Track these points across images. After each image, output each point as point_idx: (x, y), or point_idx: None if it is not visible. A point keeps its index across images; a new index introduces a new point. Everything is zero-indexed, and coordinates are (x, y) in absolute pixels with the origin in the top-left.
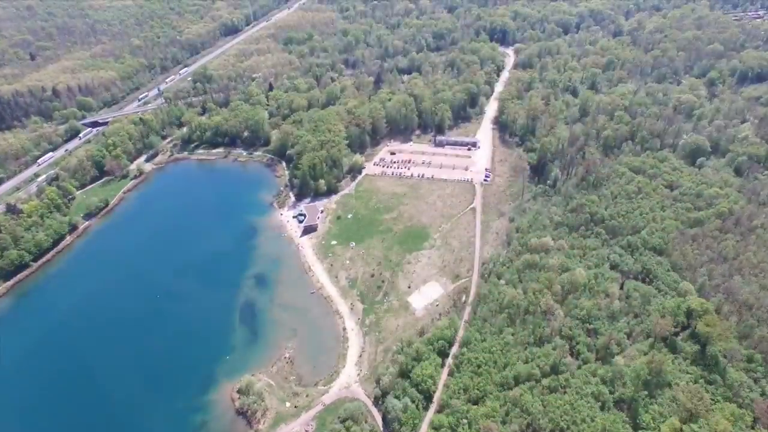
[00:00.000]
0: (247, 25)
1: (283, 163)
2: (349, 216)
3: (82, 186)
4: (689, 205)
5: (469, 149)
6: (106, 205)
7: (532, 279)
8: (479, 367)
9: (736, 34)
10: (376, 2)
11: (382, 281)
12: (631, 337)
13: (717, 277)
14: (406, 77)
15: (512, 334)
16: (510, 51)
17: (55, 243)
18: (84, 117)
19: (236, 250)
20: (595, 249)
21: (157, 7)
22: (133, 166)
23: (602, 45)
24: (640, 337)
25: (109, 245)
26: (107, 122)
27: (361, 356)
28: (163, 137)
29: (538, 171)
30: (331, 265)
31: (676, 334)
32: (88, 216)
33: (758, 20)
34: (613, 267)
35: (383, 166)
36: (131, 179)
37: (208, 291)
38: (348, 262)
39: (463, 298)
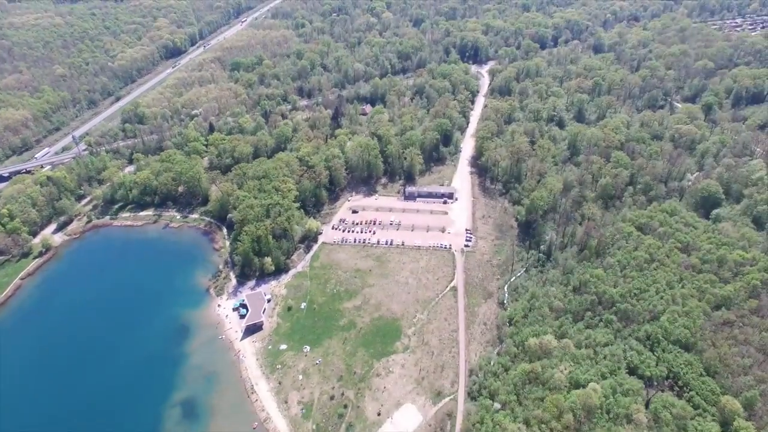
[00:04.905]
0: (193, 45)
1: (224, 230)
2: (303, 306)
3: None
4: (712, 276)
5: (445, 202)
6: None
7: (534, 402)
8: None
9: (723, 48)
10: (335, 16)
11: (344, 406)
12: None
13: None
14: (368, 108)
15: None
16: (484, 71)
17: None
18: None
19: (160, 362)
20: (608, 344)
21: (90, 26)
22: (36, 240)
23: (585, 64)
24: None
25: None
26: (9, 177)
27: None
28: (80, 197)
29: (528, 230)
30: (280, 383)
31: None
32: None
33: (740, 30)
34: (632, 371)
35: (344, 230)
36: (34, 258)
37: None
38: (301, 377)
39: (448, 428)
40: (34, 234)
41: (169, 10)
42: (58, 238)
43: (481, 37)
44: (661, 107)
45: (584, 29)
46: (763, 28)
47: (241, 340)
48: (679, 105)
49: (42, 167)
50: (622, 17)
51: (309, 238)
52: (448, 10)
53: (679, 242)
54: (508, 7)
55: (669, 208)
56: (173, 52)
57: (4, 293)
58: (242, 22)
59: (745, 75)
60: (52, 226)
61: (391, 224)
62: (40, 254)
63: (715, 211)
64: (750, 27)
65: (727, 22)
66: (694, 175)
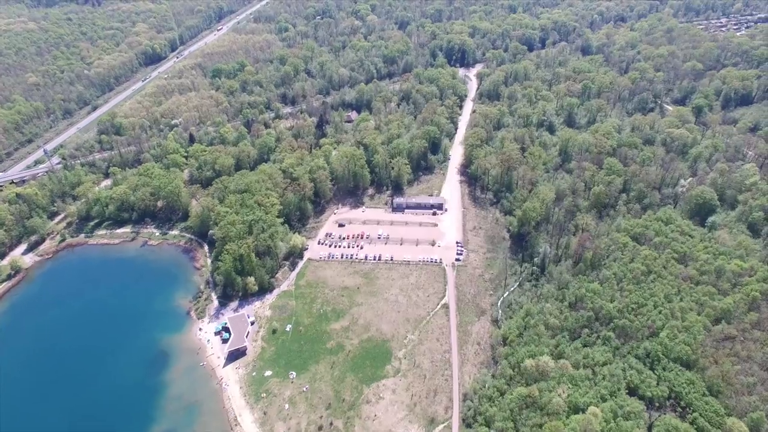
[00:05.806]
0: (173, 50)
1: (205, 247)
2: (288, 328)
3: None
4: (711, 288)
5: (434, 213)
6: None
7: (532, 429)
8: None
9: (711, 48)
10: (319, 20)
11: None
12: None
13: None
14: (354, 114)
15: None
16: (472, 74)
17: None
18: None
19: (138, 392)
20: (606, 363)
21: (65, 32)
22: (5, 262)
23: (574, 66)
24: None
25: None
26: None
27: None
28: (53, 214)
29: (521, 242)
30: (265, 413)
31: None
32: None
33: (725, 30)
34: (632, 392)
35: (330, 245)
36: (2, 281)
37: None
38: (287, 406)
39: None
40: (2, 255)
41: (148, 15)
42: (28, 259)
43: (468, 39)
44: (651, 110)
45: (571, 30)
46: (747, 27)
47: (224, 366)
48: (669, 107)
49: (13, 182)
50: (609, 18)
51: (294, 255)
52: (434, 12)
53: (675, 252)
54: (495, 8)
55: (664, 217)
56: (153, 59)
57: None
58: (218, 30)
59: (734, 76)
60: (22, 247)
61: (379, 238)
62: (9, 277)
63: (710, 219)
64: (735, 27)
65: (712, 21)
66: (688, 180)
